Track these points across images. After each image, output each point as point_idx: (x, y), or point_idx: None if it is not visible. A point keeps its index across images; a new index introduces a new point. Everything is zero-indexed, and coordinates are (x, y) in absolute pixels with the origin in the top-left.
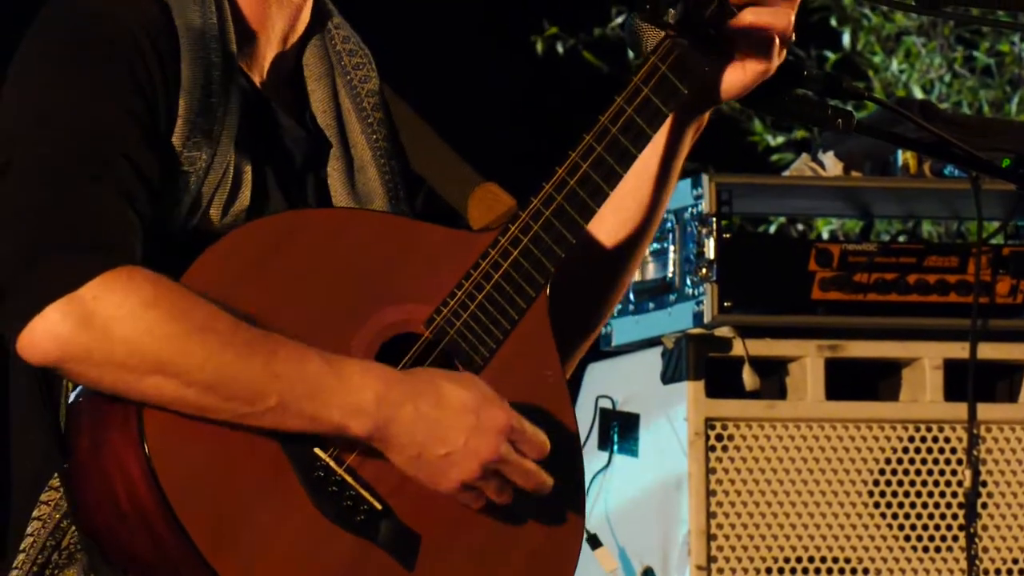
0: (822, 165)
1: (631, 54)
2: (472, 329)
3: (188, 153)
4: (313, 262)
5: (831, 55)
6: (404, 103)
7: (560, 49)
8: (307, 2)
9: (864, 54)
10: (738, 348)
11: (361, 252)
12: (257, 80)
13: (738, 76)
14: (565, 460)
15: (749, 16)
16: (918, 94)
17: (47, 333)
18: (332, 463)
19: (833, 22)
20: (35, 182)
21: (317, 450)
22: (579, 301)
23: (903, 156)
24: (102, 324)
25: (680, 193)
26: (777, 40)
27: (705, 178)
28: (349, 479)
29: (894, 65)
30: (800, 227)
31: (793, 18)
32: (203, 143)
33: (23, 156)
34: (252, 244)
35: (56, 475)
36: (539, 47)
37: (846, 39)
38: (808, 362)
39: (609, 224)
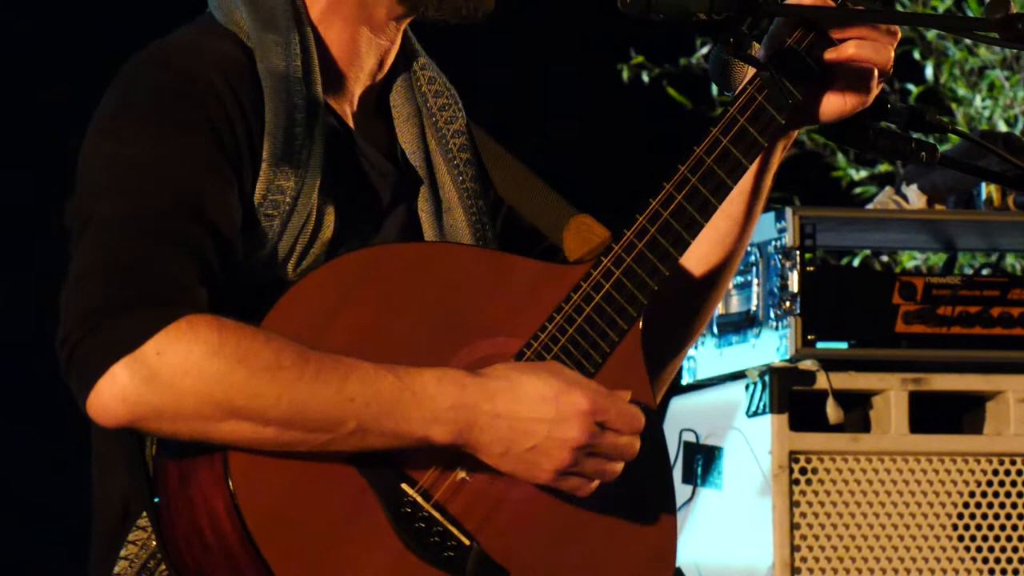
0: (906, 198)
1: (715, 87)
2: (563, 361)
3: (272, 196)
4: (402, 295)
5: (914, 88)
6: (491, 138)
7: (645, 78)
8: (396, 41)
9: (948, 87)
10: (822, 381)
11: (451, 285)
12: (346, 113)
13: (836, 104)
14: (658, 493)
15: (851, 49)
16: (1002, 127)
17: (115, 396)
18: (419, 499)
19: (917, 55)
20: (106, 241)
21: (404, 486)
22: (665, 329)
23: (987, 189)
24: (168, 379)
25: (764, 226)
26: (876, 73)
27: (789, 211)
28: (436, 514)
29: (978, 99)
30: (884, 260)
31: (892, 53)
32: (287, 186)
33: (94, 215)
34: (340, 278)
35: (144, 514)
36: (624, 75)
37: (929, 72)
38: (892, 395)
39: (700, 247)
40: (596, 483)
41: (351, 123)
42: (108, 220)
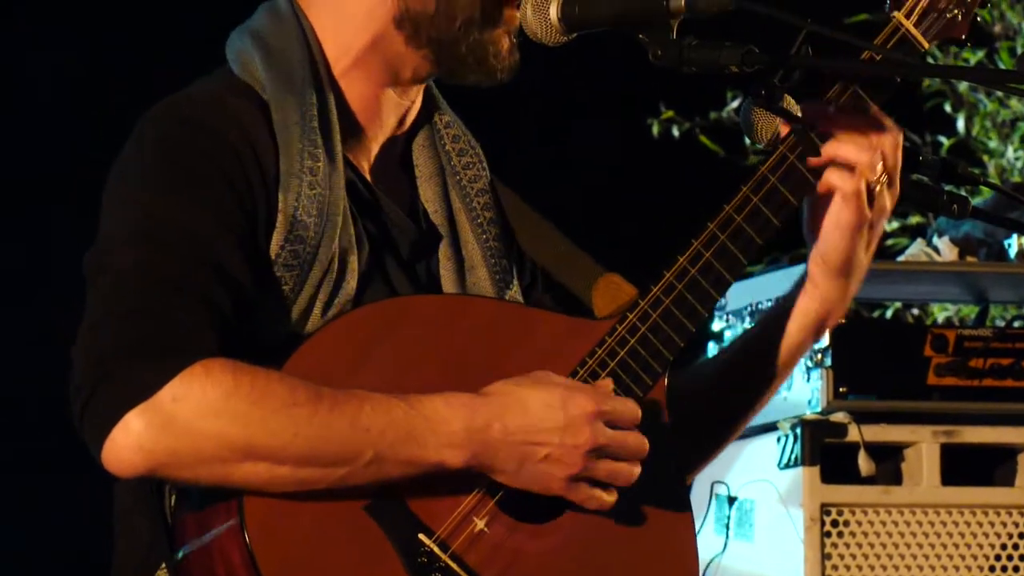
0: (937, 250)
1: (747, 140)
2: None
3: (291, 248)
4: (425, 346)
5: (946, 140)
6: (517, 197)
7: (676, 132)
8: (417, 100)
9: (979, 139)
10: (853, 434)
11: (474, 338)
12: (365, 168)
13: (830, 224)
14: (677, 542)
15: (833, 148)
16: None
17: (131, 445)
18: (437, 549)
19: (948, 108)
20: (116, 292)
21: (421, 536)
22: (695, 435)
23: (1019, 241)
24: (184, 424)
25: (796, 278)
26: (863, 186)
27: None
28: (454, 566)
29: (1010, 151)
30: (915, 312)
31: (878, 157)
32: (306, 236)
33: (109, 265)
34: (362, 328)
35: (163, 566)
36: (655, 130)
37: (961, 124)
38: (924, 447)
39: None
40: (613, 497)
41: (369, 177)
42: (121, 270)
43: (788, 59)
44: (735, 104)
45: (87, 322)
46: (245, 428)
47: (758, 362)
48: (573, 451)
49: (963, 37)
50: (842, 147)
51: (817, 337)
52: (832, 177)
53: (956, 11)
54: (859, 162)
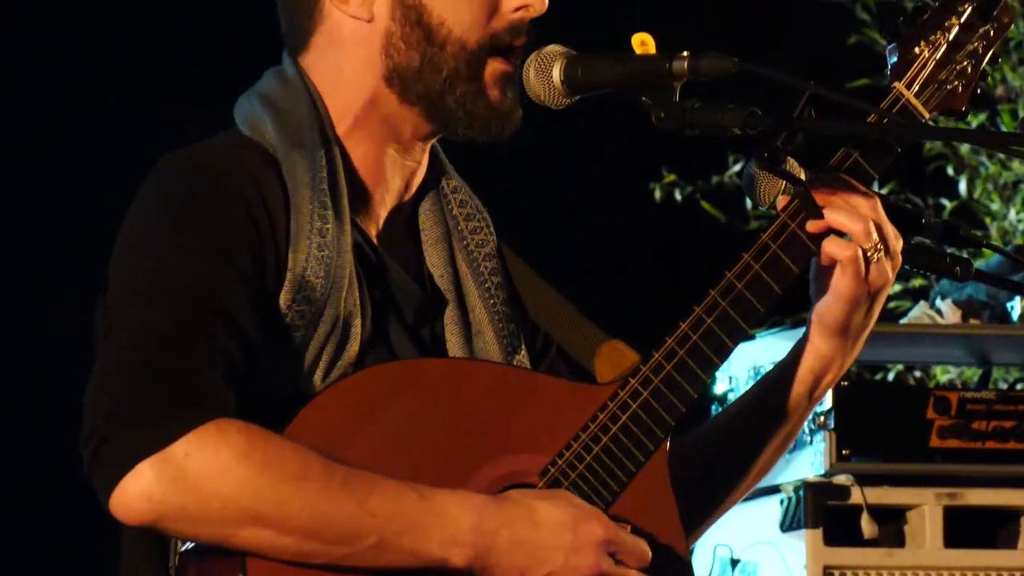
0: (940, 313)
1: (749, 203)
2: (587, 480)
3: (298, 307)
4: (428, 409)
5: (948, 203)
6: (523, 262)
7: (678, 196)
8: (422, 162)
9: (981, 202)
10: (856, 496)
11: (477, 402)
12: (372, 232)
13: (829, 300)
14: None
15: (827, 214)
16: None
17: (140, 494)
18: None
19: (950, 170)
20: (133, 344)
21: None
22: (697, 496)
23: (1021, 303)
24: (194, 480)
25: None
26: (859, 255)
27: None
28: None
29: (1012, 213)
30: (918, 374)
31: (871, 226)
32: (313, 296)
33: (125, 318)
34: (368, 389)
35: None
36: (657, 194)
37: (963, 187)
38: (927, 510)
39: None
40: None
41: (376, 241)
42: (136, 323)
43: (791, 122)
44: (737, 168)
45: (100, 374)
46: (254, 494)
47: (758, 422)
48: (574, 574)
49: (963, 108)
50: (837, 215)
51: (816, 397)
52: (828, 246)
53: (956, 83)
54: (853, 231)
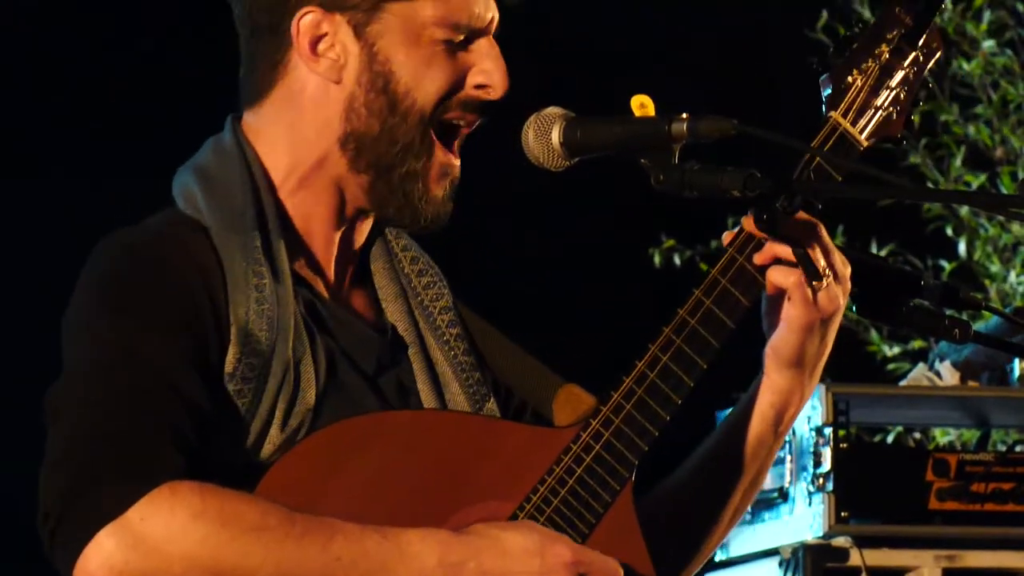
0: (939, 375)
1: None
2: (555, 523)
3: (247, 360)
4: (395, 463)
5: (947, 265)
6: (475, 315)
7: (677, 261)
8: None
9: (981, 264)
10: (855, 558)
11: (442, 452)
12: (320, 285)
13: (782, 329)
14: None
15: (770, 275)
16: None
17: (102, 564)
18: None
19: (949, 232)
20: (81, 421)
21: None
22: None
23: (1020, 365)
24: (154, 544)
25: None
26: (800, 297)
27: (822, 388)
28: None
29: (1012, 275)
30: (917, 436)
31: (799, 279)
32: (259, 349)
33: (70, 398)
34: (335, 444)
35: None
36: (657, 259)
37: (962, 248)
38: (925, 572)
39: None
40: None
41: (325, 292)
42: (83, 399)
43: (790, 184)
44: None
45: (52, 451)
46: (213, 550)
47: (726, 465)
48: None
49: (899, 135)
50: (780, 244)
51: (782, 432)
52: (773, 274)
53: (891, 109)
54: (798, 257)
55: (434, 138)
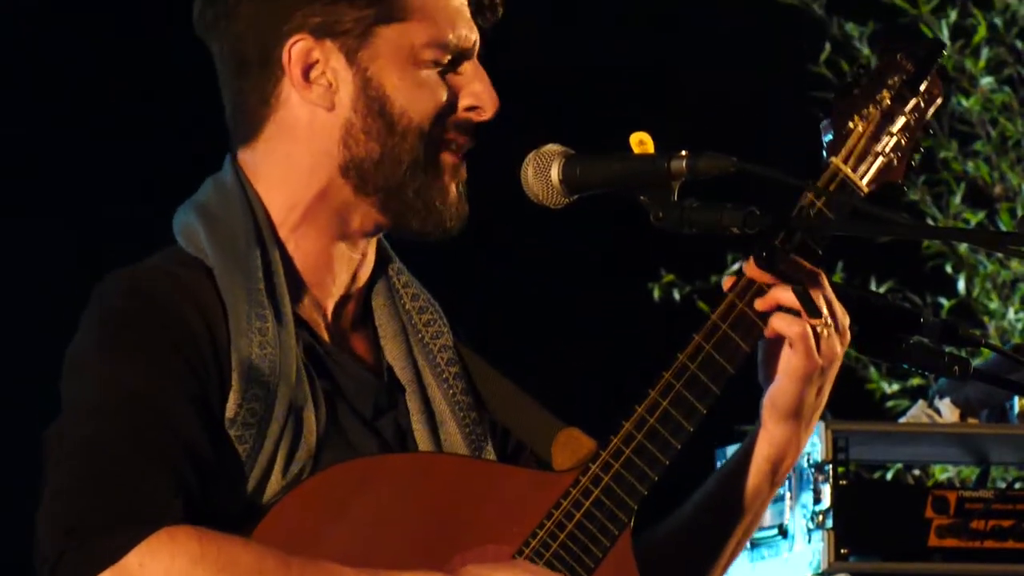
0: (939, 412)
1: None
2: (555, 567)
3: (248, 405)
4: (393, 508)
5: (946, 302)
6: (476, 355)
7: (676, 296)
8: (369, 253)
9: (980, 301)
10: None
11: (441, 496)
12: (320, 326)
13: (782, 378)
14: None
15: (772, 322)
16: None
17: None
18: None
19: (948, 269)
20: (80, 462)
21: None
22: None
23: (1020, 403)
24: None
25: None
26: (804, 349)
27: (822, 425)
28: None
29: (1011, 312)
30: (916, 473)
31: (808, 329)
32: (260, 394)
33: (71, 437)
34: (330, 491)
35: None
36: (656, 294)
37: (962, 286)
38: None
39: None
40: None
41: (325, 334)
42: (82, 441)
43: (789, 221)
44: (735, 267)
45: (51, 492)
46: None
47: (719, 516)
48: None
49: (901, 181)
50: (784, 293)
51: (776, 483)
52: (777, 322)
53: (892, 155)
54: (802, 305)
55: (438, 147)
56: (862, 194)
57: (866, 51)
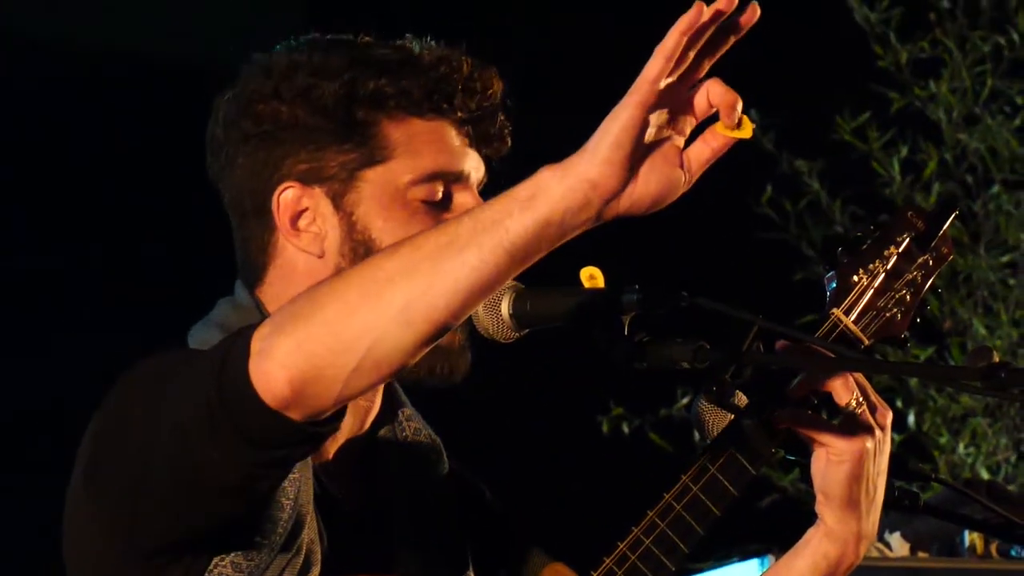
0: (889, 546)
1: (696, 435)
2: None
3: (263, 525)
4: None
5: (897, 436)
6: (471, 483)
7: (626, 429)
8: (376, 399)
9: (930, 435)
10: None
11: None
12: (322, 461)
13: (833, 466)
14: None
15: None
16: (984, 475)
17: (274, 366)
18: None
19: (899, 403)
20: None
21: None
22: None
23: (970, 537)
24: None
25: (747, 575)
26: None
27: (771, 559)
28: None
29: (960, 446)
30: None
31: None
32: (280, 517)
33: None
34: None
35: None
36: (605, 427)
37: (912, 420)
38: None
39: None
40: None
41: (325, 477)
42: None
43: (740, 355)
44: (685, 401)
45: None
46: (344, 274)
47: None
48: None
49: (903, 335)
50: (834, 438)
51: None
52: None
53: (895, 310)
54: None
55: None
56: (863, 346)
57: (815, 186)
